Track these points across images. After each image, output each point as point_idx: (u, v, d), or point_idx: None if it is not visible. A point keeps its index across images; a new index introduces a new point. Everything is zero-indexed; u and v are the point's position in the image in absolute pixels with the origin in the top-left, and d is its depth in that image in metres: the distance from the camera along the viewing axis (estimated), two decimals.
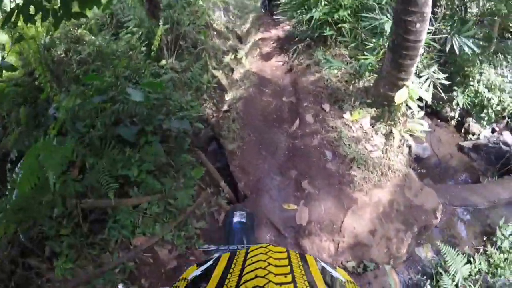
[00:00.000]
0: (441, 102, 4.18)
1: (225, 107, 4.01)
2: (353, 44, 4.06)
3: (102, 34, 4.19)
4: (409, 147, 3.33)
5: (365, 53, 3.68)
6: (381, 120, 3.32)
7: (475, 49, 3.34)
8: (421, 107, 3.33)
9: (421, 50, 2.93)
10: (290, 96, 4.13)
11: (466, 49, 3.36)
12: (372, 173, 2.83)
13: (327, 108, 3.56)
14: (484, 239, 2.80)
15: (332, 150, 3.05)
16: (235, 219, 1.44)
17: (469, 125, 4.18)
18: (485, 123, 4.06)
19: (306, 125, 3.39)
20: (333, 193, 2.71)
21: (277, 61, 5.16)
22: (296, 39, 5.03)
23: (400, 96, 3.00)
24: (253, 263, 0.57)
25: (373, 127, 3.33)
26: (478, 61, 3.93)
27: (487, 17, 4.18)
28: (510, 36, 4.47)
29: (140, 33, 4.40)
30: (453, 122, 4.26)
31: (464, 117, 4.23)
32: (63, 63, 3.34)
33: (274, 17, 6.63)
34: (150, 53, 4.07)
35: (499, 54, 4.11)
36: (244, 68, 5.22)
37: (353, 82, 3.83)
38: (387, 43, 3.13)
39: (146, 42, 4.20)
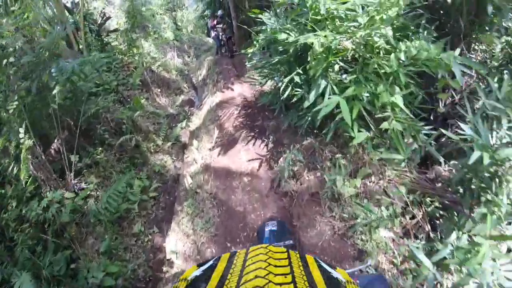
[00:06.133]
0: None
1: None
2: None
3: None
4: None
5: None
6: None
7: None
8: None
9: None
10: None
11: None
12: None
13: None
14: None
15: None
16: (267, 228, 1.49)
17: None
18: None
19: None
20: None
21: (249, 159, 3.00)
22: (275, 107, 2.94)
23: None
24: (253, 263, 0.57)
25: None
26: None
27: None
28: None
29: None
30: None
31: None
32: None
33: (243, 78, 4.27)
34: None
35: None
36: (196, 164, 3.50)
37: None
38: None
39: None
